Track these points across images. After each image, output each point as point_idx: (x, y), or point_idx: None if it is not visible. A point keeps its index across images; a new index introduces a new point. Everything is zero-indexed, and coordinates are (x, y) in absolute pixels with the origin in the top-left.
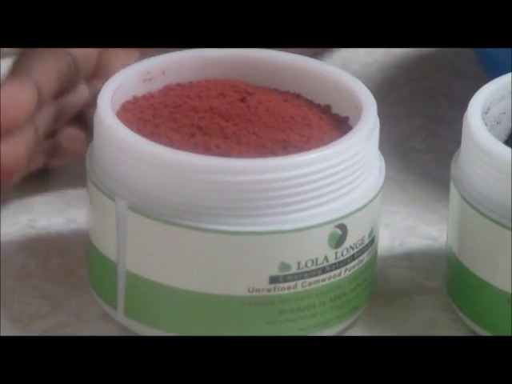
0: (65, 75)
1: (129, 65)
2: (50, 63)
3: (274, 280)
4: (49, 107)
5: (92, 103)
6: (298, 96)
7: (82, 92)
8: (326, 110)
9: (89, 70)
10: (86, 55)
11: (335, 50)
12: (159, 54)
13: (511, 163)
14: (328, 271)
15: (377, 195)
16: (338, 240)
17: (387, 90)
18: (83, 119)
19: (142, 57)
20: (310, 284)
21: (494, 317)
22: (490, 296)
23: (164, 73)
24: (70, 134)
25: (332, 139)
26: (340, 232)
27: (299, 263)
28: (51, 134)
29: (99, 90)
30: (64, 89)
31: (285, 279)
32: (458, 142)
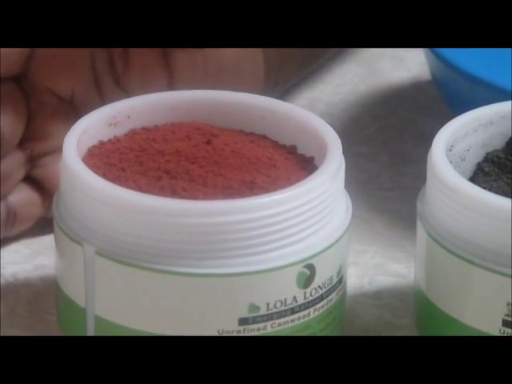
0: None
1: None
2: None
3: (243, 322)
4: None
5: (35, 164)
6: (264, 137)
7: (15, 157)
8: (291, 151)
9: (17, 140)
10: (12, 127)
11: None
12: (124, 98)
13: (476, 200)
14: (297, 312)
15: (344, 234)
16: (306, 280)
17: (353, 129)
18: (33, 180)
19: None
20: (280, 325)
21: None
22: (458, 332)
23: (129, 117)
24: (24, 199)
25: (298, 179)
26: (308, 272)
27: (268, 304)
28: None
29: (36, 152)
30: None
31: (254, 320)
32: (424, 179)
